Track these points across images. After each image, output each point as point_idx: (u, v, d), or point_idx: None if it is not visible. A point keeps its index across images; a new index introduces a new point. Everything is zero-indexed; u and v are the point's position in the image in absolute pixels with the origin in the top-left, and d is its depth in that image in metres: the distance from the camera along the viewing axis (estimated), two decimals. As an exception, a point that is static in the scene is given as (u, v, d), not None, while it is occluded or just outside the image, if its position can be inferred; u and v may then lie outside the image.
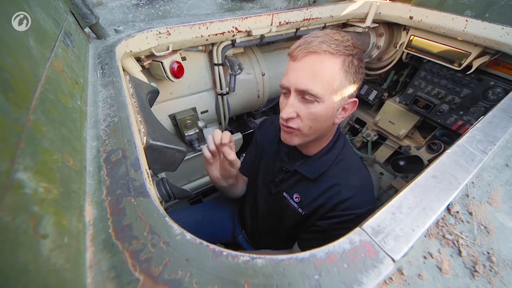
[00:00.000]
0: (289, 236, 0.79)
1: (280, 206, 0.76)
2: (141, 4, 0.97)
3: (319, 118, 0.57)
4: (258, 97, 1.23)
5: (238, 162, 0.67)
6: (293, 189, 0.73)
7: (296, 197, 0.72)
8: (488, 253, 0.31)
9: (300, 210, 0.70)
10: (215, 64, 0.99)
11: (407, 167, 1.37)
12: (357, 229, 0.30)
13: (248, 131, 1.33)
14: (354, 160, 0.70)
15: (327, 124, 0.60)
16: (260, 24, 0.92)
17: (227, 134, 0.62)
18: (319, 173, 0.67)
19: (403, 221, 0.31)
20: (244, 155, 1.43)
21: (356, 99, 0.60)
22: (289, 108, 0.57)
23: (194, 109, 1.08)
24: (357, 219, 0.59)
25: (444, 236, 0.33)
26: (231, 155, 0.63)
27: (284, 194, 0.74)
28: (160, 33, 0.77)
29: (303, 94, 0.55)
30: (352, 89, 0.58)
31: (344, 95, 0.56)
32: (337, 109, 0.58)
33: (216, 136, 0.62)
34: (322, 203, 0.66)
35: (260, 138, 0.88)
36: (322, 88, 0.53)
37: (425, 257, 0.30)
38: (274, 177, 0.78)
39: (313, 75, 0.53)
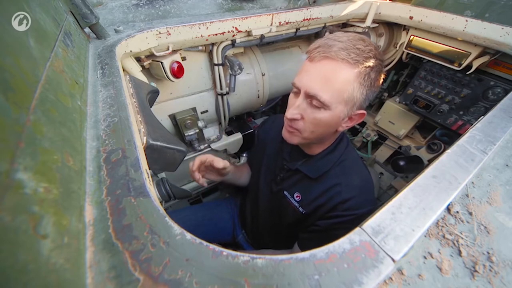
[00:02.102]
0: (290, 235, 0.79)
1: (281, 205, 0.76)
2: (141, 4, 0.97)
3: (322, 125, 0.57)
4: (258, 97, 1.23)
5: (226, 165, 0.76)
6: (294, 188, 0.73)
7: (297, 196, 0.72)
8: (488, 253, 0.31)
9: (300, 209, 0.70)
10: (215, 64, 0.99)
11: (407, 167, 1.36)
12: (357, 229, 0.30)
13: (248, 131, 1.33)
14: (355, 161, 0.70)
15: (330, 131, 0.60)
16: (260, 24, 0.92)
17: (196, 160, 0.72)
18: (321, 172, 0.67)
19: (403, 221, 0.31)
20: (244, 155, 1.44)
21: (364, 111, 0.59)
22: (295, 109, 0.56)
23: (194, 109, 1.08)
24: (357, 220, 0.59)
25: (444, 236, 0.33)
26: (217, 163, 0.74)
27: (285, 192, 0.75)
28: (160, 33, 0.77)
29: (311, 99, 0.54)
30: (362, 101, 0.56)
31: (354, 106, 0.55)
32: (342, 118, 0.57)
33: (193, 165, 0.72)
34: (322, 203, 0.66)
35: (263, 136, 0.89)
36: (331, 96, 0.52)
37: (425, 257, 0.30)
38: (275, 175, 0.78)
39: (325, 81, 0.52)
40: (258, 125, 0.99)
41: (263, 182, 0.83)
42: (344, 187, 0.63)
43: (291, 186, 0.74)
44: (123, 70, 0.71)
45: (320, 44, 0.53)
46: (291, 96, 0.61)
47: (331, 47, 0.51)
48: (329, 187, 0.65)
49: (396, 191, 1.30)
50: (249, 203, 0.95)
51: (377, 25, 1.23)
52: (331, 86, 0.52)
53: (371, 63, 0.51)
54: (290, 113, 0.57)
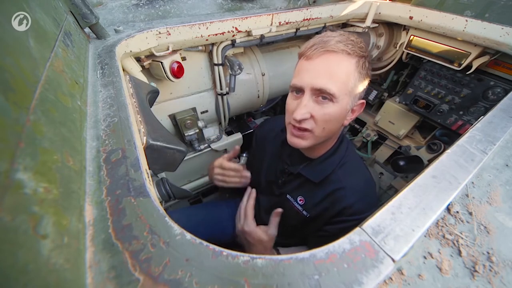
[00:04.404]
0: (291, 236, 0.79)
1: (284, 208, 0.76)
2: (141, 4, 0.97)
3: (333, 119, 0.56)
4: (258, 97, 1.23)
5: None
6: (297, 191, 0.72)
7: (300, 200, 0.71)
8: (488, 253, 0.31)
9: (304, 212, 0.70)
10: (215, 64, 0.99)
11: (407, 167, 1.36)
12: (357, 229, 0.30)
13: (248, 131, 1.33)
14: (357, 163, 0.70)
15: (339, 126, 0.60)
16: (260, 24, 0.92)
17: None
18: (324, 176, 0.66)
19: (403, 221, 0.31)
20: (244, 154, 1.44)
21: (363, 101, 0.60)
22: (303, 108, 0.54)
23: (194, 109, 1.08)
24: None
25: (444, 236, 0.33)
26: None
27: (288, 196, 0.74)
28: (160, 33, 0.76)
29: (318, 94, 0.54)
30: (362, 90, 0.57)
31: (355, 96, 0.56)
32: (348, 110, 0.57)
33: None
34: (327, 207, 0.65)
35: (261, 138, 0.88)
36: (339, 88, 0.52)
37: (425, 257, 0.30)
38: (276, 178, 0.78)
39: (330, 74, 0.52)
40: (257, 126, 0.97)
41: (264, 184, 0.83)
42: (348, 191, 0.63)
43: (294, 190, 0.73)
44: (123, 70, 0.71)
45: (315, 42, 0.54)
46: (291, 99, 0.60)
47: (328, 41, 0.52)
48: (333, 190, 0.65)
49: (396, 191, 1.30)
50: None
51: (377, 25, 1.23)
52: (337, 78, 0.52)
53: (364, 52, 0.54)
54: (299, 113, 0.54)
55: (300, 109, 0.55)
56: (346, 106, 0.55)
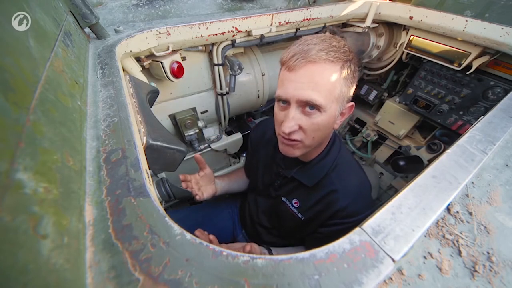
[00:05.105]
0: (290, 236, 0.80)
1: (280, 210, 0.76)
2: (141, 4, 0.97)
3: (322, 128, 0.56)
4: (258, 97, 1.23)
5: (209, 174, 0.83)
6: (291, 194, 0.73)
7: (295, 203, 0.72)
8: (488, 253, 0.31)
9: (299, 215, 0.70)
10: (215, 64, 0.99)
11: (407, 167, 1.36)
12: (357, 229, 0.30)
13: (248, 131, 1.33)
14: (350, 164, 0.70)
15: (328, 132, 0.60)
16: (260, 24, 0.92)
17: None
18: (317, 180, 0.66)
19: (403, 221, 0.31)
20: (245, 154, 1.44)
21: (353, 103, 0.60)
22: (291, 121, 0.54)
23: (194, 109, 1.08)
24: (357, 225, 0.59)
25: (444, 236, 0.33)
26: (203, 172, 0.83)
27: (283, 199, 0.75)
28: (160, 33, 0.77)
29: (305, 105, 0.53)
30: (350, 93, 0.57)
31: (343, 101, 0.56)
32: (336, 115, 0.57)
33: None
34: (321, 209, 0.66)
35: (256, 141, 0.88)
36: (325, 97, 0.51)
37: (425, 257, 0.30)
38: (273, 181, 0.78)
39: (315, 85, 0.51)
40: (251, 130, 0.98)
41: (261, 186, 0.84)
42: (341, 194, 0.63)
43: (289, 193, 0.74)
44: (123, 70, 0.71)
45: (296, 51, 0.52)
46: (278, 110, 0.59)
47: (309, 51, 0.50)
48: (326, 193, 0.65)
49: (396, 191, 1.30)
50: (249, 204, 0.95)
51: (377, 25, 1.23)
52: (322, 87, 0.51)
53: (348, 56, 0.53)
54: (287, 127, 0.54)
55: (288, 122, 0.54)
56: (334, 113, 0.55)
